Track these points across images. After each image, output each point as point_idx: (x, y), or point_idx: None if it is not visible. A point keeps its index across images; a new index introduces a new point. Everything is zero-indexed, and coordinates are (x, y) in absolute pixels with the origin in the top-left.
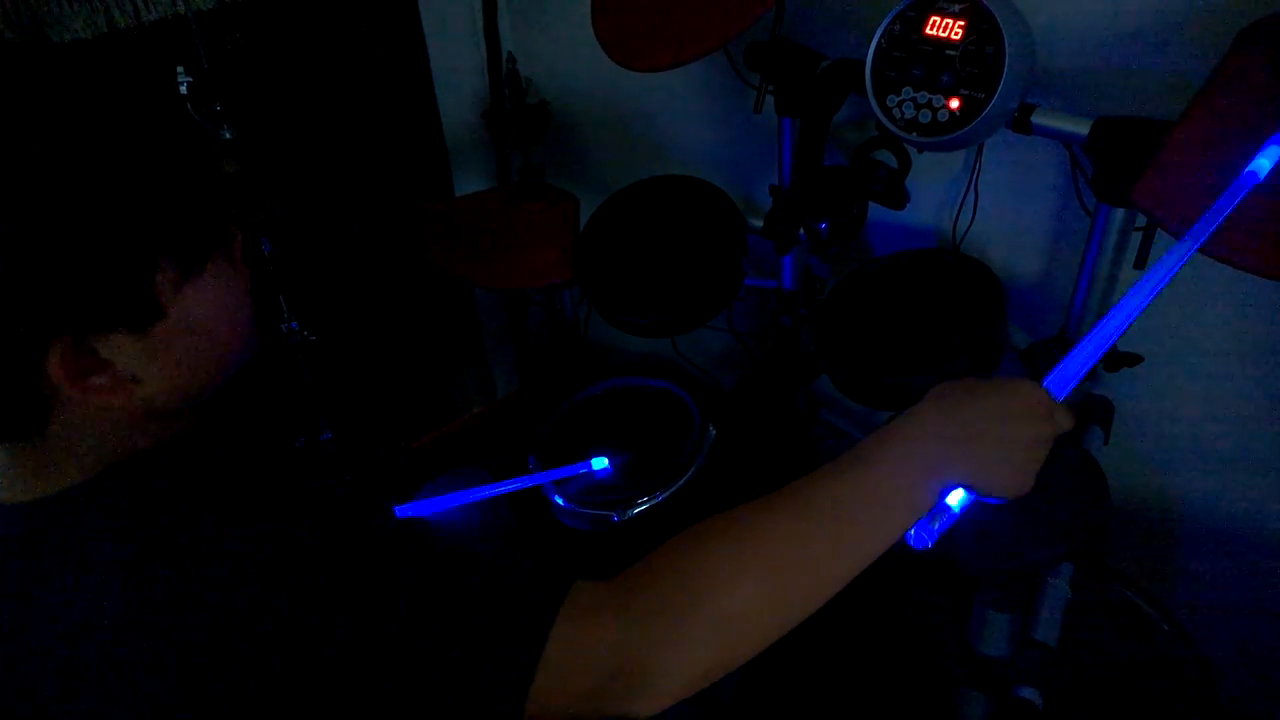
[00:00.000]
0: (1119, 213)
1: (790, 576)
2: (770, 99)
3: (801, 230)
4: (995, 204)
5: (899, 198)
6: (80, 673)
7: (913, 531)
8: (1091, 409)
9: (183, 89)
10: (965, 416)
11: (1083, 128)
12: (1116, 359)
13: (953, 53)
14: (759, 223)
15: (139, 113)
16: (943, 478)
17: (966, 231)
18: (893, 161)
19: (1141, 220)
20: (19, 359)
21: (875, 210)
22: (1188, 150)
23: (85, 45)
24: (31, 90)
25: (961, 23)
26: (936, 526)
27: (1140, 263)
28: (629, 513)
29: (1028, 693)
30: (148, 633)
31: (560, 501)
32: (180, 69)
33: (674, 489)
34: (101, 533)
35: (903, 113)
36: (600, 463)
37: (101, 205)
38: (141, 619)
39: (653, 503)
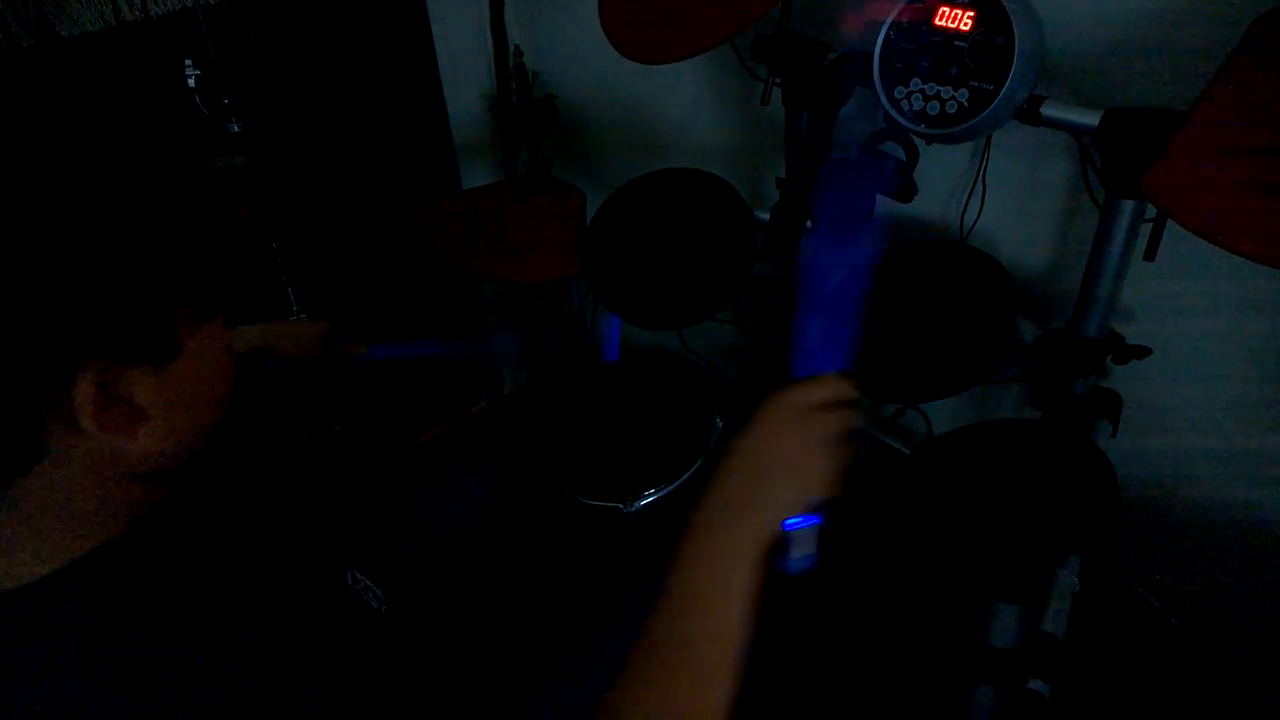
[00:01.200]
0: (1129, 204)
1: (705, 690)
2: (777, 91)
3: (808, 223)
4: (1003, 196)
5: (907, 190)
6: None
7: (784, 562)
8: (1100, 401)
9: (190, 82)
10: (753, 456)
11: (1092, 118)
12: (1125, 351)
13: (961, 44)
14: (765, 215)
15: (175, 157)
16: (766, 516)
17: (974, 224)
18: (900, 154)
19: (1151, 211)
20: (46, 382)
21: (882, 203)
22: (1199, 140)
23: (93, 39)
24: (76, 124)
25: (970, 13)
26: (795, 556)
27: (1150, 254)
28: (637, 504)
29: (1036, 684)
30: None
31: (570, 493)
32: (188, 62)
33: (681, 480)
34: (49, 636)
35: (911, 104)
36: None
37: (145, 237)
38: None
39: (660, 494)
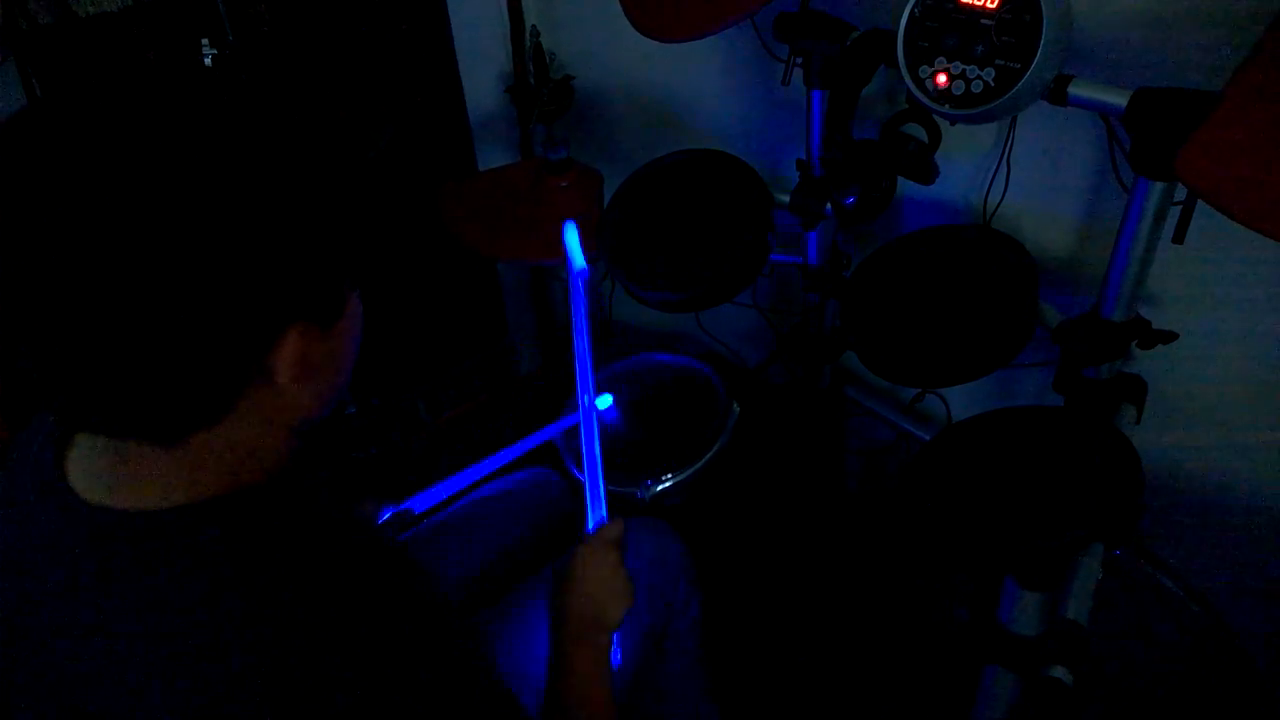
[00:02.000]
0: (1158, 186)
1: None
2: (798, 71)
3: (828, 205)
4: (1028, 178)
5: (928, 172)
6: (114, 692)
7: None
8: (1124, 387)
9: (207, 61)
10: (573, 604)
11: (1121, 99)
12: (1151, 336)
13: (988, 22)
14: (785, 197)
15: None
16: (599, 635)
17: (998, 206)
18: (922, 135)
19: (1181, 194)
20: (261, 343)
21: (903, 185)
22: (1235, 121)
23: (110, 18)
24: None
25: None
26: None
27: (1179, 237)
28: (654, 489)
29: (1058, 672)
30: (189, 674)
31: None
32: (205, 41)
33: (698, 465)
34: (181, 561)
35: (935, 84)
36: (604, 401)
37: (336, 212)
38: (189, 659)
39: (677, 479)
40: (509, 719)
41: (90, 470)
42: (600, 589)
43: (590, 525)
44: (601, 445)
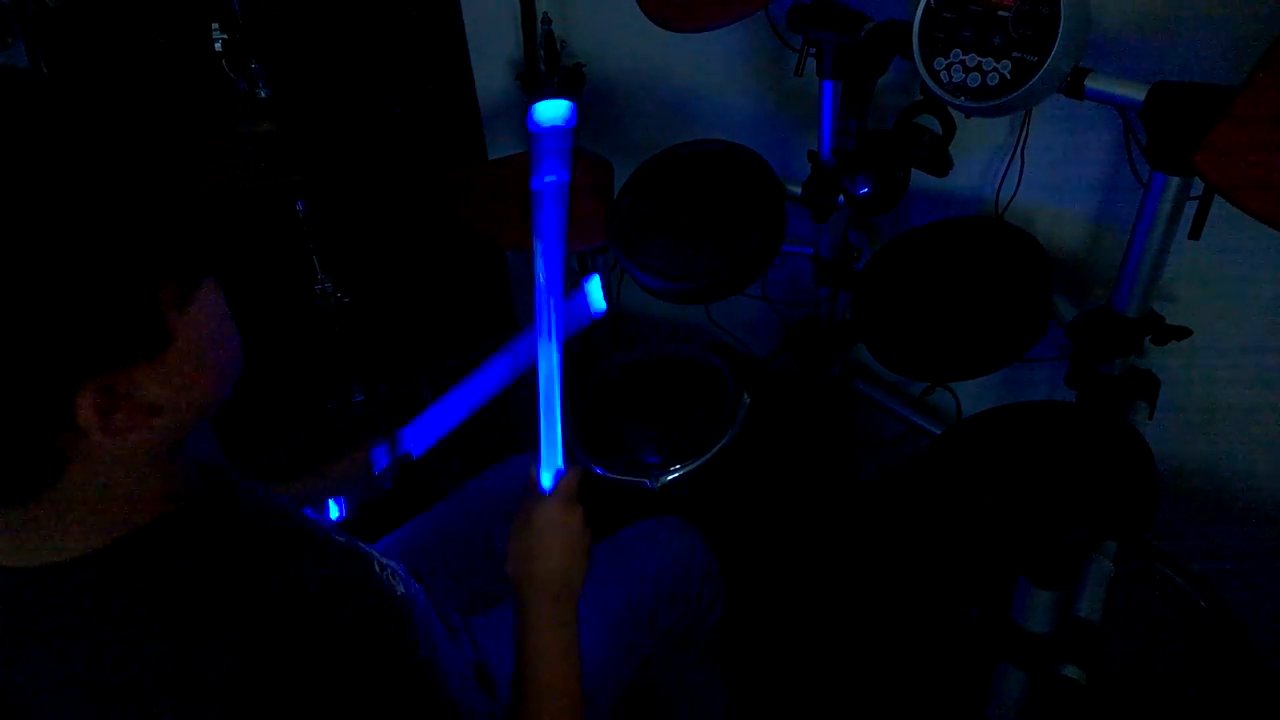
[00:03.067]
0: (1174, 181)
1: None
2: (811, 62)
3: (840, 197)
4: (1042, 171)
5: (942, 164)
6: None
7: None
8: (1137, 383)
9: (217, 46)
10: (539, 570)
11: (1139, 93)
12: (1165, 332)
13: (1005, 14)
14: (797, 189)
15: (128, 130)
16: (569, 604)
17: (1011, 200)
18: (936, 127)
19: (1197, 189)
20: (48, 408)
21: (916, 178)
22: (1254, 115)
23: (119, 1)
24: (23, 118)
25: None
26: None
27: (1195, 233)
28: (663, 479)
29: (1070, 670)
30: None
31: (595, 469)
32: (215, 25)
33: (708, 456)
34: (94, 608)
35: (950, 76)
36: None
37: (111, 232)
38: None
39: (687, 469)
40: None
41: None
42: (566, 552)
43: (548, 479)
44: (615, 431)
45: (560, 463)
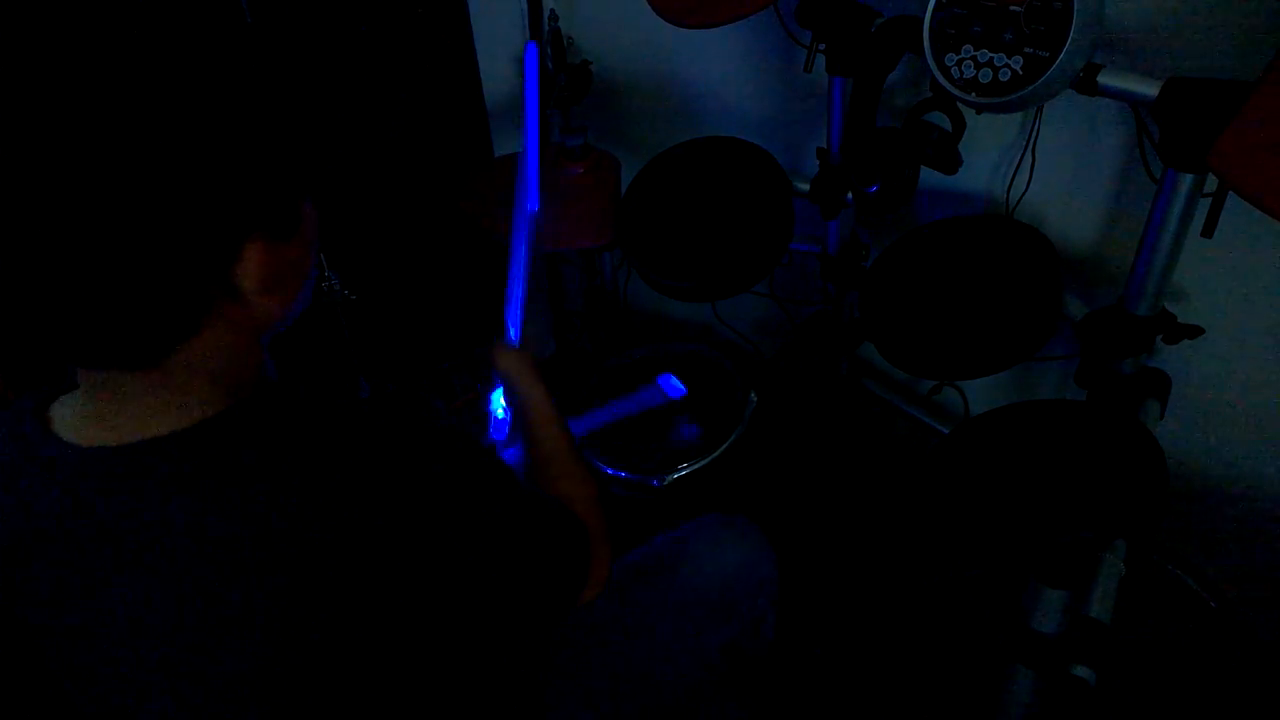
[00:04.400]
0: (1187, 178)
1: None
2: (821, 58)
3: (849, 194)
4: (1053, 169)
5: (952, 161)
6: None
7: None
8: (1148, 382)
9: None
10: (528, 365)
11: (1152, 89)
12: (1177, 331)
13: (1017, 9)
14: (805, 186)
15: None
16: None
17: (1021, 197)
18: (946, 124)
19: (1211, 186)
20: (224, 249)
21: (925, 175)
22: (1269, 111)
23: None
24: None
25: None
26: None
27: (1208, 231)
28: (670, 478)
29: (1081, 670)
30: (221, 596)
31: (603, 467)
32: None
33: (715, 455)
34: (188, 486)
35: (961, 72)
36: (675, 384)
37: (288, 127)
38: (215, 580)
39: (693, 468)
40: (547, 513)
41: (81, 415)
42: (531, 374)
43: (513, 334)
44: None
45: (519, 328)
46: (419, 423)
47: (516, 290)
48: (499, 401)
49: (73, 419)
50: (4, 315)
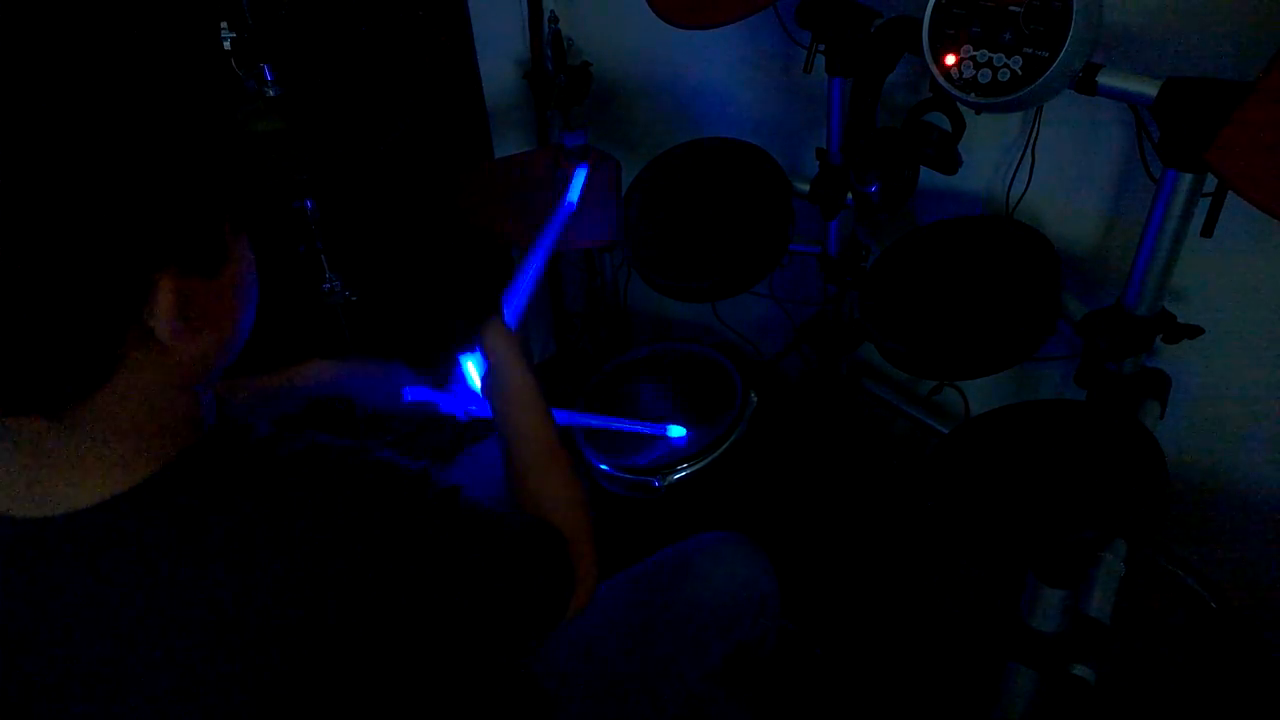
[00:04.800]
0: (1187, 178)
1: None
2: (820, 59)
3: (849, 195)
4: (1053, 169)
5: (951, 162)
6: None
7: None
8: (1148, 382)
9: (226, 45)
10: (510, 353)
11: (1151, 89)
12: (1176, 331)
13: (1016, 9)
14: (805, 187)
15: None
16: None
17: (1021, 197)
18: (946, 124)
19: (1210, 186)
20: (132, 289)
21: (925, 175)
22: (1268, 111)
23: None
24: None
25: None
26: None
27: (1208, 231)
28: (670, 478)
29: (1080, 669)
30: (192, 635)
31: (603, 467)
32: (224, 24)
33: (715, 455)
34: (136, 553)
35: (961, 72)
36: (677, 431)
37: (203, 153)
38: (181, 621)
39: (694, 469)
40: (516, 534)
41: (5, 483)
42: (513, 351)
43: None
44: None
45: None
46: (371, 465)
47: (529, 279)
48: (470, 371)
49: None
50: None
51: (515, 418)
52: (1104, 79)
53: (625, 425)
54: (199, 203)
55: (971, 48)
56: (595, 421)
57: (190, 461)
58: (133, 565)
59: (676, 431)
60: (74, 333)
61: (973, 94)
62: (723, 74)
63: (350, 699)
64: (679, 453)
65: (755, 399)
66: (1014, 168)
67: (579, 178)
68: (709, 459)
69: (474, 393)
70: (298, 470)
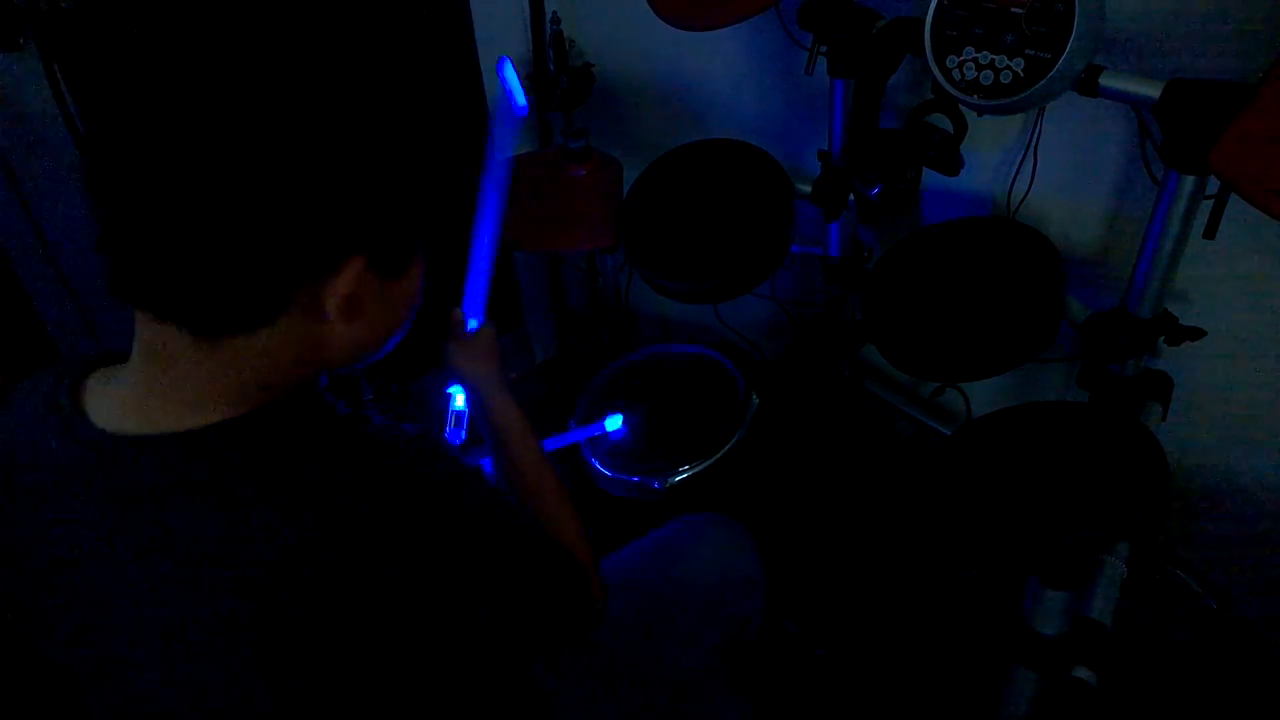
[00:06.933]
0: (1189, 180)
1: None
2: (822, 60)
3: (851, 196)
4: (1055, 170)
5: (954, 163)
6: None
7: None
8: (1150, 384)
9: None
10: (492, 377)
11: (1154, 90)
12: (1179, 332)
13: (1018, 10)
14: (807, 188)
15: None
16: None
17: (1023, 199)
18: (948, 125)
19: (1212, 188)
20: (320, 264)
21: (927, 177)
22: (1271, 113)
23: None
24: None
25: None
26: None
27: (1210, 233)
28: (672, 480)
29: (1081, 672)
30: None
31: (604, 470)
32: None
33: (717, 457)
34: (217, 478)
35: (963, 74)
36: (614, 422)
37: (428, 160)
38: (217, 581)
39: (695, 470)
40: (552, 557)
41: (115, 399)
42: (497, 365)
43: (473, 324)
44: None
45: (481, 316)
46: (438, 457)
47: (482, 264)
48: (458, 399)
49: (110, 404)
50: (104, 249)
51: (515, 461)
52: (1106, 80)
53: (568, 438)
54: (403, 209)
55: (973, 49)
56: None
57: (275, 414)
58: (201, 490)
59: (613, 424)
60: (260, 270)
61: (975, 95)
62: (724, 75)
63: (358, 680)
64: (681, 454)
65: (757, 400)
66: (1016, 169)
67: (509, 76)
68: (711, 460)
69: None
70: (371, 444)
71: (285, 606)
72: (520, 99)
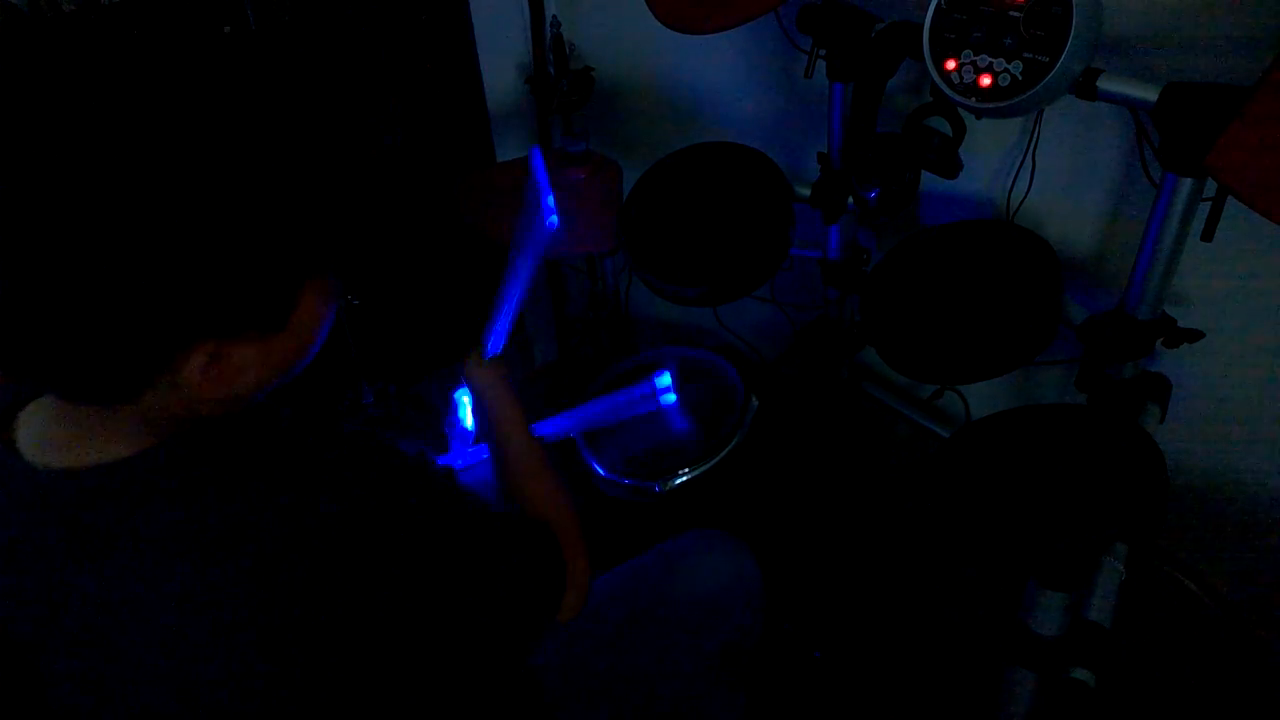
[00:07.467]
0: (1187, 183)
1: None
2: (821, 64)
3: (850, 199)
4: (1053, 173)
5: (952, 166)
6: (125, 646)
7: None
8: (1148, 386)
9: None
10: (505, 400)
11: (1151, 93)
12: (1177, 335)
13: (1016, 14)
14: (806, 191)
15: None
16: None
17: (1022, 202)
18: (946, 128)
19: (1210, 191)
20: (159, 360)
21: (926, 179)
22: (1268, 116)
23: (135, 4)
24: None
25: None
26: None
27: (1208, 235)
28: (671, 483)
29: (1080, 673)
30: (201, 606)
31: (602, 471)
32: (227, 29)
33: (716, 460)
34: (157, 501)
35: (961, 77)
36: (665, 380)
37: (271, 218)
38: (193, 592)
39: (694, 473)
40: (515, 532)
41: (43, 436)
42: (508, 396)
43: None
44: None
45: (500, 347)
46: (389, 453)
47: (510, 305)
48: (465, 411)
49: (33, 442)
50: None
51: (507, 448)
52: (1104, 84)
53: (609, 402)
54: (260, 275)
55: (972, 52)
56: (583, 414)
57: (210, 431)
58: (144, 510)
59: (664, 381)
60: (99, 364)
61: (973, 99)
62: (724, 79)
63: (346, 677)
64: (680, 457)
65: (756, 403)
66: (1014, 172)
67: (540, 171)
68: (710, 463)
69: (464, 430)
70: (317, 448)
71: (264, 607)
72: (553, 216)
